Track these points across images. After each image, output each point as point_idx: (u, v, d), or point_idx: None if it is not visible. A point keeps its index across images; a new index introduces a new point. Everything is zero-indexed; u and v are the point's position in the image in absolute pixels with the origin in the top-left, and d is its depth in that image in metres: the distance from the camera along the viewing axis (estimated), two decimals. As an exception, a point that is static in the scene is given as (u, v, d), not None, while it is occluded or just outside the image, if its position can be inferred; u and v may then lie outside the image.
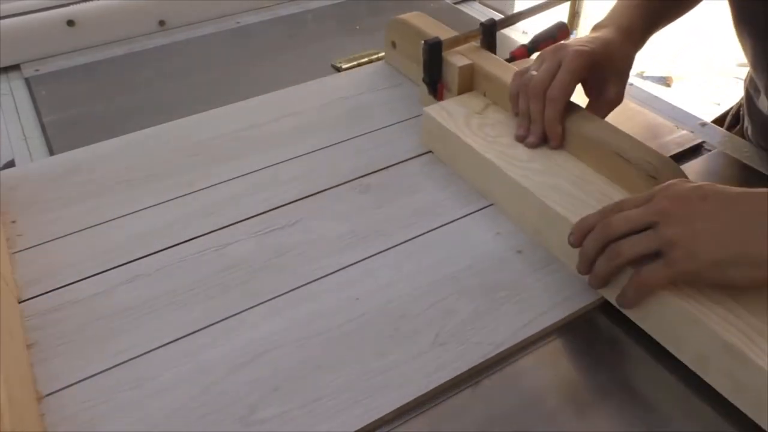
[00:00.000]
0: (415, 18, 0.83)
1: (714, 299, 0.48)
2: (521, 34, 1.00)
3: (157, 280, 0.58)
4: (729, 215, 0.46)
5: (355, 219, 0.64)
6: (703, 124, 0.79)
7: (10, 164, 0.77)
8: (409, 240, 0.62)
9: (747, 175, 0.71)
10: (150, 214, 0.65)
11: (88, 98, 0.88)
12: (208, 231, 0.63)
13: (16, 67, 0.96)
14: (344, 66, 0.92)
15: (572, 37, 0.72)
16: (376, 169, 0.71)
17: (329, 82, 0.87)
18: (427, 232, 0.63)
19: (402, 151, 0.73)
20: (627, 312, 0.53)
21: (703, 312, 0.47)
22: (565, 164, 0.62)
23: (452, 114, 0.70)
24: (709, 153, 0.75)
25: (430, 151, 0.73)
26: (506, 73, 0.70)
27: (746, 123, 0.80)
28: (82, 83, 0.92)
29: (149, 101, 0.88)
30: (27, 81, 0.93)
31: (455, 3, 1.14)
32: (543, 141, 0.64)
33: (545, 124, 0.64)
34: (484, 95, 0.73)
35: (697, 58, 2.71)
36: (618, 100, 0.67)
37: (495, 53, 0.77)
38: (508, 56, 0.80)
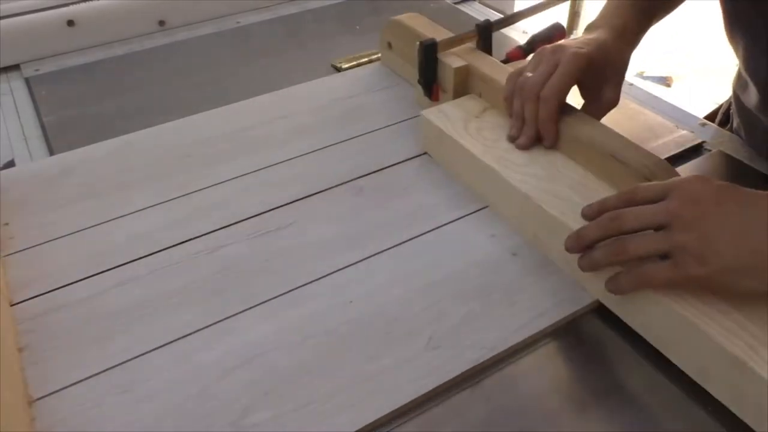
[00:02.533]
0: (410, 19, 0.83)
1: (717, 308, 0.47)
2: (521, 33, 1.00)
3: (150, 283, 0.58)
4: (744, 222, 0.45)
5: (350, 221, 0.64)
6: (703, 124, 0.79)
7: (10, 164, 0.77)
8: (403, 243, 0.62)
9: (747, 175, 0.71)
10: (143, 216, 0.65)
11: (88, 98, 0.88)
12: (201, 233, 0.63)
13: (16, 67, 0.96)
14: (344, 66, 0.91)
15: (571, 38, 0.72)
16: (370, 171, 0.71)
17: (324, 83, 0.86)
18: (422, 234, 0.63)
19: (397, 153, 0.73)
20: (629, 321, 0.53)
21: (706, 322, 0.46)
22: (564, 169, 0.62)
23: (450, 117, 0.70)
24: (709, 153, 0.75)
25: (425, 153, 0.73)
26: (502, 74, 0.70)
27: (735, 122, 0.80)
28: (82, 83, 0.92)
29: (149, 101, 0.88)
30: (27, 81, 0.93)
31: (455, 3, 1.14)
32: (534, 143, 0.64)
33: (539, 124, 0.63)
34: (480, 96, 0.72)
35: (697, 58, 2.71)
36: (614, 101, 0.67)
37: (491, 54, 0.77)
38: (504, 57, 0.80)
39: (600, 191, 0.59)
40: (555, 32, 0.81)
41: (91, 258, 0.60)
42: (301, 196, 0.67)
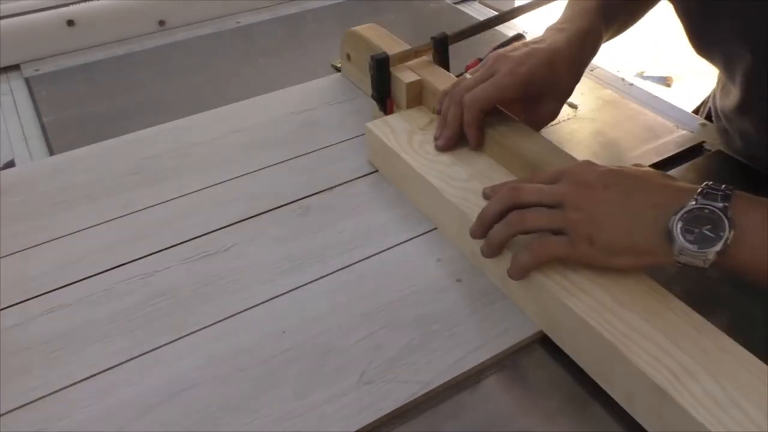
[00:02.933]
0: (368, 30, 0.80)
1: (645, 334, 0.46)
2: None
3: (78, 311, 0.56)
4: (623, 206, 0.48)
5: (292, 244, 0.62)
6: (703, 124, 0.78)
7: (10, 164, 0.76)
8: (346, 267, 0.59)
9: (747, 175, 0.70)
10: (78, 238, 0.63)
11: (88, 98, 0.88)
12: (137, 257, 0.61)
13: (16, 67, 0.96)
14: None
15: (527, 41, 0.68)
16: (319, 190, 0.68)
17: (282, 95, 0.84)
18: (366, 258, 0.60)
19: (349, 170, 0.71)
20: (564, 348, 0.51)
21: (631, 349, 0.45)
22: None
23: (395, 130, 0.67)
24: (709, 153, 0.74)
25: (378, 170, 0.70)
26: (455, 90, 0.68)
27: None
28: (82, 83, 0.92)
29: (149, 101, 0.87)
30: (27, 81, 0.93)
31: (455, 3, 1.12)
32: (453, 145, 0.64)
33: (464, 127, 0.63)
34: (434, 112, 0.70)
35: (697, 58, 2.69)
36: (551, 117, 0.66)
37: (448, 67, 0.75)
38: (463, 70, 0.78)
39: None
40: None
41: (18, 285, 0.58)
42: (246, 217, 0.65)
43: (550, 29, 0.66)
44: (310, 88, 0.85)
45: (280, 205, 0.66)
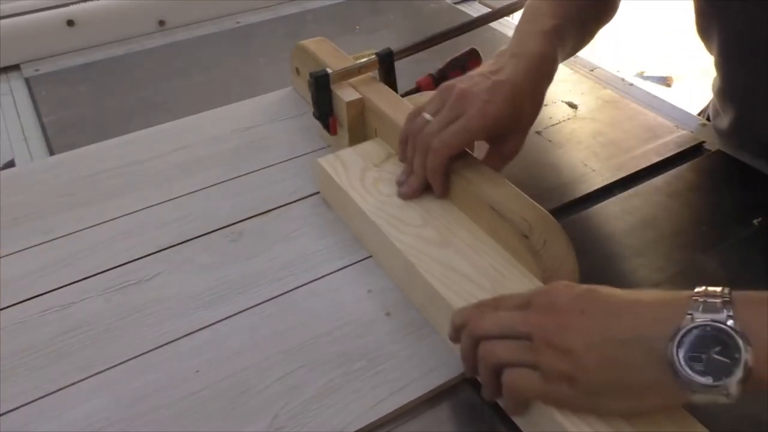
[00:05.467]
0: (315, 44, 0.77)
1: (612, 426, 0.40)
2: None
3: (-14, 347, 0.53)
4: (606, 335, 0.39)
5: (219, 273, 0.59)
6: (704, 124, 0.78)
7: (10, 164, 0.76)
8: (273, 298, 0.57)
9: (747, 175, 0.70)
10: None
11: (88, 98, 0.88)
12: (54, 287, 0.58)
13: (16, 67, 0.96)
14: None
15: (482, 69, 0.64)
16: (255, 214, 0.65)
17: (229, 111, 0.81)
18: (294, 288, 0.57)
19: (289, 192, 0.68)
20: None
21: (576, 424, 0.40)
22: (459, 230, 0.56)
23: (347, 166, 0.63)
24: (709, 153, 0.73)
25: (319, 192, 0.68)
26: (398, 110, 0.65)
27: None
28: (82, 83, 0.92)
29: (149, 101, 0.87)
30: (27, 81, 0.92)
31: (455, 3, 1.11)
32: (420, 194, 0.59)
33: (427, 173, 0.58)
34: (375, 134, 0.67)
35: (698, 58, 2.66)
36: (514, 154, 0.60)
37: (394, 84, 0.72)
38: (414, 86, 0.75)
39: (492, 256, 0.53)
40: (470, 59, 0.76)
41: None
42: (174, 243, 0.62)
43: (503, 54, 0.61)
44: (259, 103, 0.83)
45: (212, 230, 0.63)
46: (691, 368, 0.35)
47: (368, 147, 0.67)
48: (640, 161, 0.71)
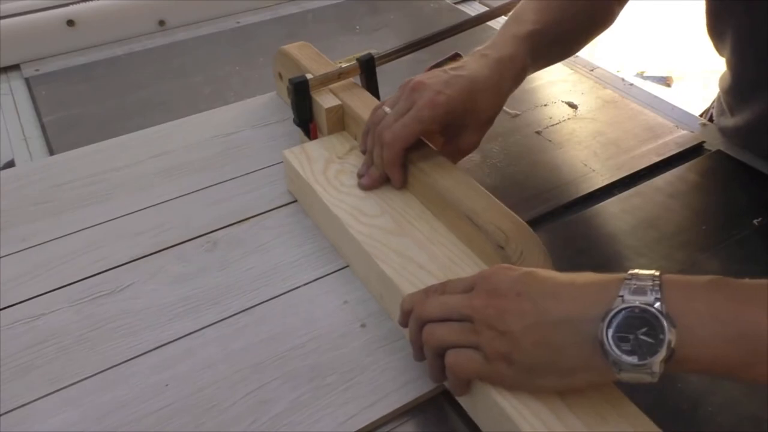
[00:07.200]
0: (297, 49, 0.76)
1: (546, 403, 0.41)
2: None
3: (-47, 360, 0.52)
4: (540, 317, 0.40)
5: (193, 283, 0.58)
6: (704, 124, 0.77)
7: (10, 164, 0.76)
8: (246, 310, 0.56)
9: (747, 176, 0.69)
10: (-33, 277, 0.59)
11: (88, 98, 0.88)
12: (25, 298, 0.57)
13: (16, 67, 0.95)
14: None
15: (446, 68, 0.64)
16: (232, 222, 0.64)
17: (210, 116, 0.80)
18: (269, 299, 0.56)
19: (267, 200, 0.67)
20: (462, 404, 0.47)
21: (523, 417, 0.41)
22: (417, 221, 0.56)
23: (311, 158, 0.64)
24: (709, 153, 0.73)
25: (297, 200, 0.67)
26: (376, 115, 0.64)
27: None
28: (82, 83, 0.91)
29: (149, 101, 0.86)
30: (27, 81, 0.92)
31: (455, 3, 1.10)
32: (379, 184, 0.60)
33: (384, 166, 0.59)
34: (355, 138, 0.66)
35: (697, 58, 2.66)
36: (471, 148, 0.61)
37: (377, 89, 0.71)
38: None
39: (447, 246, 0.54)
40: (451, 63, 0.75)
41: None
42: (148, 252, 0.61)
43: (473, 54, 0.62)
44: (242, 108, 0.82)
45: (187, 239, 0.63)
46: (618, 348, 0.37)
47: (334, 139, 0.67)
48: (640, 161, 0.71)
